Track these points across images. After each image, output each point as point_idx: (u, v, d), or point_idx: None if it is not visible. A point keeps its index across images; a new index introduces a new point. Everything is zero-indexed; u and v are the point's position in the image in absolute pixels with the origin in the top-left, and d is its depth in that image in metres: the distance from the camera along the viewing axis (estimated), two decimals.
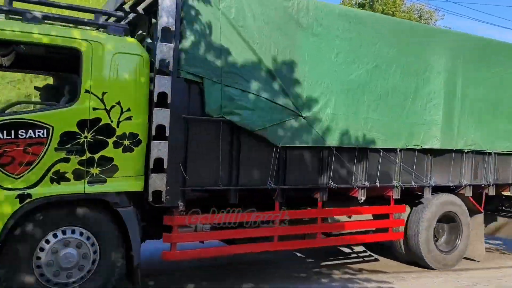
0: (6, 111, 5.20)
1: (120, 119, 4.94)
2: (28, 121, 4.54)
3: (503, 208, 8.87)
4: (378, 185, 6.58)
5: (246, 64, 5.47)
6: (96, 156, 4.81)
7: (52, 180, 4.62)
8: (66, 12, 5.31)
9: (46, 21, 4.85)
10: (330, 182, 6.17)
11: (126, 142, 4.97)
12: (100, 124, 4.83)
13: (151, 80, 5.07)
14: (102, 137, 4.84)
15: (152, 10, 5.27)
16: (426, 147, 6.96)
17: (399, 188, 6.86)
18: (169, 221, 5.25)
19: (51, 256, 4.64)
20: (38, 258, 4.61)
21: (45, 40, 4.70)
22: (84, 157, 4.75)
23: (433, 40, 7.02)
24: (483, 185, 7.80)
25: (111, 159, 4.89)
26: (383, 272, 7.15)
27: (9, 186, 4.46)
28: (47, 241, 4.65)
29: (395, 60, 6.63)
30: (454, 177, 7.43)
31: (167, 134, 5.02)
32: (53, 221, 4.69)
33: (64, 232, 4.73)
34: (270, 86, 5.63)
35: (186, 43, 5.12)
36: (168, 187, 5.03)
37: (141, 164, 5.07)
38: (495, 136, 7.68)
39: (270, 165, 5.70)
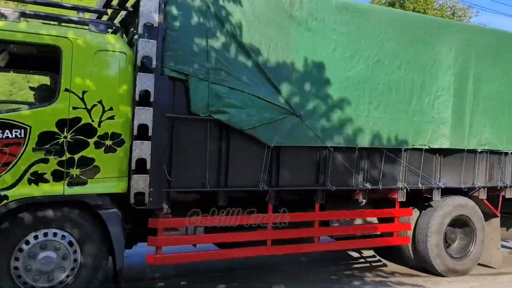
0: None
1: (102, 119, 4.80)
2: (4, 121, 4.44)
3: None
4: (381, 187, 6.23)
5: (235, 61, 5.25)
6: (76, 156, 4.68)
7: (30, 181, 4.51)
8: (49, 10, 5.20)
9: (28, 19, 4.77)
10: (327, 183, 5.86)
11: (108, 142, 4.82)
12: (80, 124, 4.70)
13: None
14: (83, 137, 4.70)
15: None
16: (434, 146, 6.55)
17: (405, 190, 6.48)
18: (154, 223, 5.07)
19: (29, 259, 4.53)
20: (16, 259, 4.50)
21: (23, 38, 4.61)
22: (63, 158, 4.62)
23: (442, 33, 6.61)
24: (499, 187, 7.30)
25: (92, 160, 4.75)
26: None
27: None
28: (27, 242, 4.53)
29: (399, 54, 6.26)
30: (467, 178, 6.99)
31: (150, 133, 4.83)
32: (31, 223, 4.57)
33: (45, 235, 4.61)
34: (261, 83, 5.38)
35: (170, 39, 4.94)
36: (151, 189, 4.86)
37: (124, 165, 4.91)
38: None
39: (262, 166, 5.44)
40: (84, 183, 4.73)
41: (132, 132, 4.85)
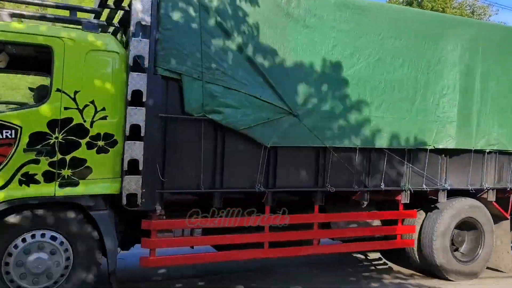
0: None
1: (94, 119, 4.75)
2: None
3: None
4: (383, 188, 6.06)
5: (230, 59, 5.14)
6: (68, 157, 4.64)
7: (20, 182, 4.48)
8: (44, 11, 5.18)
9: (22, 20, 4.75)
10: (327, 185, 5.72)
11: (101, 143, 4.77)
12: (72, 124, 4.65)
13: None
14: (74, 138, 4.66)
15: None
16: (440, 147, 6.35)
17: (408, 192, 6.29)
18: (147, 225, 4.99)
19: (20, 260, 4.49)
20: (7, 264, 4.46)
21: (15, 38, 4.58)
22: (55, 159, 4.58)
23: (447, 30, 6.40)
24: (509, 189, 7.05)
25: (84, 161, 4.70)
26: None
27: None
28: (15, 246, 4.50)
29: (402, 52, 6.09)
30: (474, 180, 6.77)
31: (142, 134, 4.77)
32: (22, 225, 4.53)
33: (33, 236, 4.57)
34: (257, 82, 5.27)
35: (163, 38, 4.86)
36: (143, 190, 4.78)
37: (117, 166, 4.85)
38: None
39: (258, 166, 5.33)
40: (76, 184, 4.68)
41: (123, 132, 4.78)
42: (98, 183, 4.78)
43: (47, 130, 4.55)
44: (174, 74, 4.93)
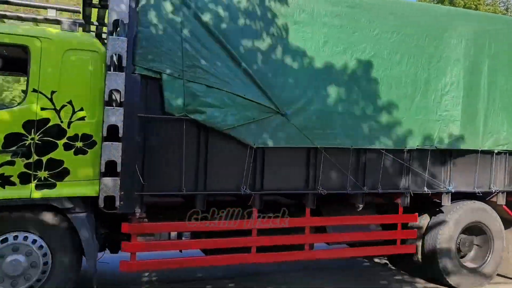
0: None
1: (72, 120, 4.65)
2: None
3: None
4: (380, 191, 5.76)
5: (212, 57, 4.96)
6: (44, 158, 4.55)
7: None
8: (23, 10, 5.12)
9: (4, 20, 4.70)
10: (318, 187, 5.47)
11: (79, 144, 4.67)
12: (48, 125, 4.57)
13: None
14: (51, 139, 4.57)
15: None
16: (442, 147, 6.01)
17: (408, 195, 5.97)
18: (127, 228, 4.87)
19: None
20: None
21: None
22: (31, 160, 4.50)
23: (450, 24, 6.06)
24: None
25: (61, 162, 4.60)
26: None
27: None
28: None
29: (400, 47, 5.78)
30: (482, 182, 6.39)
31: (120, 134, 4.64)
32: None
33: (14, 238, 4.50)
34: (241, 81, 5.07)
35: (142, 36, 4.73)
36: (122, 192, 4.65)
37: (96, 167, 4.73)
38: None
39: (244, 168, 5.13)
40: (53, 186, 4.59)
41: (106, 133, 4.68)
42: (76, 185, 4.68)
43: (22, 131, 4.48)
44: (154, 73, 4.78)
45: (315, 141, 5.39)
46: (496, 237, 6.56)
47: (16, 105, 4.57)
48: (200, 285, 6.02)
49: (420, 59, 5.86)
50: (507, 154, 6.48)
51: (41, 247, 4.61)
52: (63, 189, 4.62)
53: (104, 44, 4.94)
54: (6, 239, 4.50)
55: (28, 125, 4.50)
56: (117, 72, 4.65)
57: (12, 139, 4.45)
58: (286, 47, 5.26)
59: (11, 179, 4.46)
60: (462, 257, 6.55)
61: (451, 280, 6.28)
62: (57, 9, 4.87)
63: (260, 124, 5.16)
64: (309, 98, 5.34)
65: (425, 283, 6.55)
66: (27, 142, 4.49)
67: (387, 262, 7.62)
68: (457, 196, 6.45)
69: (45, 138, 4.54)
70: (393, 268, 7.36)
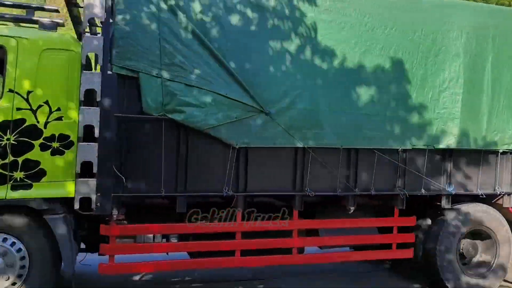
0: None
1: (49, 120, 4.60)
2: None
3: None
4: (372, 192, 5.51)
5: (192, 55, 4.83)
6: (20, 159, 4.51)
7: None
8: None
9: None
10: (306, 188, 5.27)
11: (55, 144, 4.62)
12: (24, 125, 4.53)
13: None
14: (27, 139, 4.53)
15: None
16: (440, 147, 5.70)
17: (404, 197, 5.69)
18: (105, 230, 4.79)
19: None
20: None
21: None
22: (6, 161, 4.47)
23: (449, 16, 5.74)
24: None
25: (37, 163, 4.56)
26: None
27: None
28: None
29: (394, 41, 5.51)
30: (486, 183, 6.05)
31: (96, 135, 4.56)
32: None
33: None
34: (223, 79, 4.92)
35: (118, 34, 4.64)
36: (98, 194, 4.57)
37: (74, 168, 4.67)
38: None
39: (226, 169, 4.98)
40: (29, 187, 4.55)
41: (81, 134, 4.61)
42: (53, 186, 4.63)
43: None
44: (131, 72, 4.69)
45: (302, 141, 5.19)
46: (502, 242, 6.19)
47: None
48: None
49: (416, 54, 5.58)
50: None
51: (19, 250, 4.58)
52: (39, 190, 4.57)
53: None
54: None
55: (4, 125, 4.47)
56: (92, 72, 4.57)
57: None
58: (270, 44, 5.08)
59: None
60: (467, 262, 6.21)
61: (452, 286, 5.95)
62: (35, 9, 4.82)
63: (243, 124, 5.00)
64: (294, 96, 5.14)
65: None
66: (3, 143, 4.46)
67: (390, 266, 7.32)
68: (461, 199, 6.14)
69: (21, 139, 4.51)
70: (394, 272, 7.05)
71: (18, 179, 4.51)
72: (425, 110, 5.63)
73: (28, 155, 4.53)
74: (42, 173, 4.58)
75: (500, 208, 6.23)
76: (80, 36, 5.29)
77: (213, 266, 5.26)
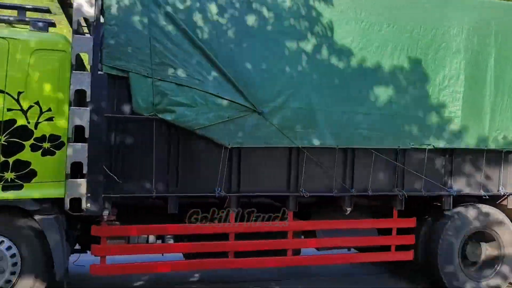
0: None
1: (39, 120, 4.61)
2: None
3: None
4: (370, 193, 5.39)
5: (183, 55, 4.78)
6: (11, 160, 4.52)
7: None
8: None
9: None
10: (300, 189, 5.17)
11: (46, 145, 4.62)
12: (15, 126, 4.54)
13: None
14: (18, 140, 4.54)
15: None
16: (440, 146, 5.55)
17: (403, 198, 5.55)
18: (96, 231, 4.77)
19: None
20: None
21: None
22: None
23: (450, 12, 5.59)
24: None
25: (28, 163, 4.56)
26: None
27: None
28: None
29: (391, 38, 5.39)
30: (489, 184, 5.87)
31: (86, 135, 4.54)
32: None
33: None
34: (214, 79, 4.86)
35: (108, 34, 4.61)
36: (88, 194, 4.55)
37: (64, 169, 4.66)
38: None
39: (219, 169, 4.92)
40: (20, 187, 4.56)
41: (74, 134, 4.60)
42: (44, 186, 4.63)
43: None
44: (121, 72, 4.66)
45: (296, 141, 5.10)
46: (508, 245, 6.00)
47: None
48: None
49: (414, 51, 5.44)
50: None
51: (9, 247, 4.58)
52: (30, 191, 4.58)
53: None
54: None
55: None
56: (82, 72, 4.55)
57: None
58: (263, 43, 5.00)
59: None
60: (471, 265, 6.03)
61: None
62: (27, 10, 4.83)
63: (236, 124, 4.93)
64: (288, 95, 5.05)
65: None
66: None
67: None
68: (464, 199, 5.97)
69: (11, 139, 4.52)
70: (395, 274, 6.88)
71: (9, 180, 4.52)
72: (424, 109, 5.49)
73: (19, 156, 4.54)
74: (33, 173, 4.58)
75: (504, 209, 6.04)
76: None
77: (207, 268, 5.21)
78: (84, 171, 4.55)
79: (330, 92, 5.21)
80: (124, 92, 4.73)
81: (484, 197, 5.86)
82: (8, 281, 4.59)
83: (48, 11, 5.08)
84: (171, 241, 5.20)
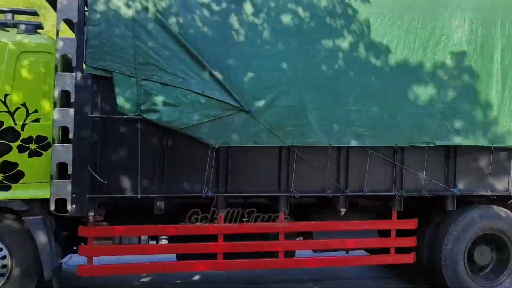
0: None
1: (26, 122, 4.66)
2: None
3: None
4: (365, 193, 5.18)
5: (167, 54, 4.71)
6: None
7: None
8: None
9: None
10: (291, 189, 5.02)
11: (33, 146, 4.66)
12: (2, 128, 4.59)
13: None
14: (5, 141, 4.59)
15: None
16: (441, 144, 5.27)
17: (402, 198, 5.30)
18: (83, 232, 4.77)
19: None
20: None
21: None
22: None
23: (450, 3, 5.31)
24: None
25: (15, 164, 4.61)
26: None
27: None
28: None
29: (388, 31, 5.14)
30: (497, 183, 5.54)
31: (71, 136, 4.55)
32: None
33: None
34: (200, 77, 4.78)
35: (92, 34, 4.60)
36: (73, 195, 4.56)
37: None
38: None
39: (205, 169, 4.84)
40: (8, 188, 4.61)
41: (59, 135, 4.63)
42: (31, 187, 4.67)
43: None
44: (105, 72, 4.64)
45: (286, 139, 4.95)
46: None
47: None
48: None
49: (412, 45, 5.19)
50: None
51: (1, 250, 4.65)
52: (18, 192, 4.63)
53: None
54: None
55: None
56: (66, 73, 4.56)
57: None
58: (249, 41, 4.88)
59: None
60: (479, 270, 5.71)
61: None
62: (13, 12, 4.89)
63: (222, 123, 4.84)
64: (277, 93, 4.91)
65: None
66: None
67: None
68: (472, 200, 5.67)
69: None
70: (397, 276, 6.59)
71: None
72: (424, 105, 5.23)
73: (6, 157, 4.59)
74: (20, 174, 4.63)
75: None
76: None
77: (195, 269, 5.13)
78: (69, 172, 4.56)
79: (322, 89, 5.03)
80: (108, 93, 4.70)
81: (492, 197, 5.53)
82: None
83: (35, 13, 5.13)
84: (165, 242, 5.18)
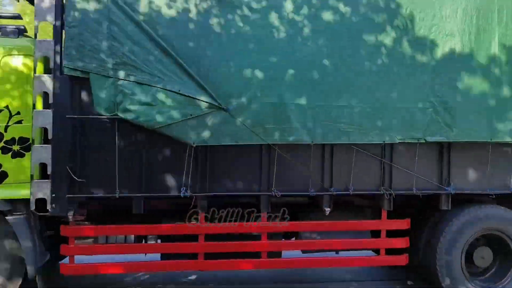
0: None
1: (9, 124, 4.78)
2: None
3: None
4: (351, 192, 4.99)
5: (143, 53, 4.68)
6: None
7: None
8: None
9: None
10: (272, 188, 4.91)
11: (16, 147, 4.77)
12: None
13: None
14: None
15: None
16: (433, 140, 5.02)
17: (391, 197, 5.08)
18: (64, 231, 4.84)
19: None
20: None
21: None
22: None
23: None
24: None
25: None
26: None
27: None
28: None
29: (370, 25, 4.93)
30: (496, 181, 5.22)
31: (50, 137, 4.63)
32: None
33: None
34: (175, 75, 4.72)
35: (68, 36, 4.64)
36: (53, 195, 4.63)
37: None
38: None
39: (184, 168, 4.80)
40: None
41: (41, 136, 4.72)
42: (14, 187, 4.78)
43: None
44: (82, 73, 4.67)
45: (266, 138, 4.84)
46: None
47: None
48: None
49: (401, 34, 4.95)
50: None
51: None
52: (1, 192, 4.74)
53: None
54: None
55: None
56: (44, 75, 4.64)
57: None
58: (227, 37, 4.79)
59: None
60: (478, 272, 5.41)
61: None
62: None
63: (200, 121, 4.77)
64: (256, 90, 4.80)
65: None
66: None
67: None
68: (471, 198, 5.37)
69: None
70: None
71: None
72: (414, 98, 4.98)
73: None
74: (4, 175, 4.75)
75: None
76: None
77: (176, 269, 5.11)
78: (49, 172, 4.64)
79: (303, 84, 4.88)
80: (86, 93, 4.74)
81: (491, 196, 5.21)
82: None
83: (19, 17, 5.24)
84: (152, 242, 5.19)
